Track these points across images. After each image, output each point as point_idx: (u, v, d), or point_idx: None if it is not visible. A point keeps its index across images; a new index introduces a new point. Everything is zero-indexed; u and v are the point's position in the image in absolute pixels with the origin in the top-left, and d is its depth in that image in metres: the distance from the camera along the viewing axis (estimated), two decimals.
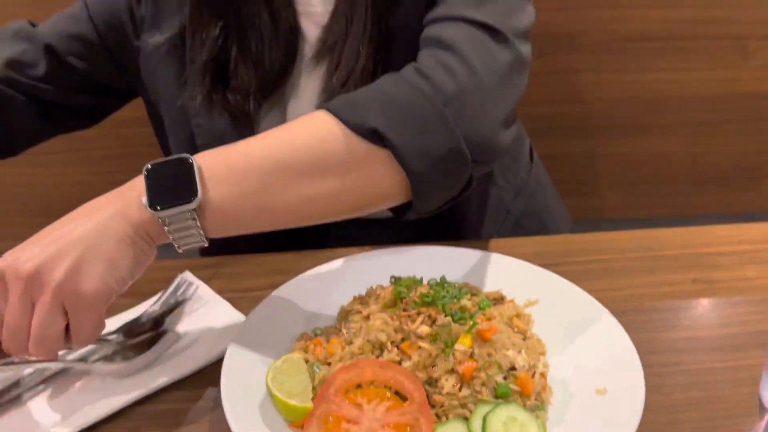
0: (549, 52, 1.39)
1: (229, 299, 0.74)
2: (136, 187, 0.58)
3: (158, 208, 0.56)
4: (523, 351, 0.58)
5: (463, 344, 0.56)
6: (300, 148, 0.59)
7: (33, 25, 0.86)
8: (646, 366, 0.61)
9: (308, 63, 0.79)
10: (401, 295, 0.60)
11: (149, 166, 0.58)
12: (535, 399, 0.56)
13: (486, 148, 0.63)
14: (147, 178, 0.57)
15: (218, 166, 0.59)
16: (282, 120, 0.82)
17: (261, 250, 0.83)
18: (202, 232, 0.58)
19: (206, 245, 0.60)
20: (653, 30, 1.38)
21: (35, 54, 0.83)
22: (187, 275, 0.77)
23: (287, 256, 0.82)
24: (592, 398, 0.57)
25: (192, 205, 0.56)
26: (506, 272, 0.72)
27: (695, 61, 1.42)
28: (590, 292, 0.68)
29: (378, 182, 0.61)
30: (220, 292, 0.76)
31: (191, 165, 0.57)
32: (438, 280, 0.63)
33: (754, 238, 0.82)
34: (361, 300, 0.65)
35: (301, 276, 0.73)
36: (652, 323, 0.70)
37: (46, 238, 0.56)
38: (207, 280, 0.78)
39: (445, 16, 0.66)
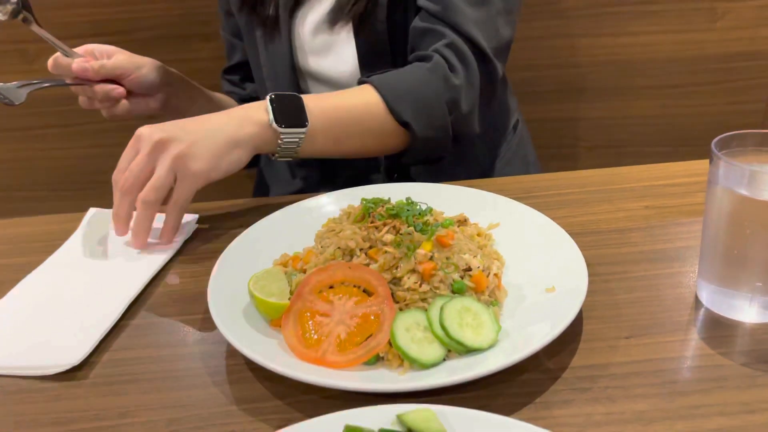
0: (526, 18, 1.44)
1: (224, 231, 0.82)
2: (255, 107, 0.81)
3: (283, 126, 0.80)
4: (478, 255, 0.65)
5: (423, 249, 0.62)
6: (354, 110, 0.87)
7: None
8: (594, 274, 0.68)
9: None
10: (369, 210, 0.66)
11: (272, 96, 0.81)
12: (489, 296, 0.63)
13: (463, 129, 0.93)
14: (271, 103, 0.81)
15: (314, 109, 0.83)
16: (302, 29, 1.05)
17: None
18: (298, 149, 0.83)
19: (299, 157, 0.84)
20: None
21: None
22: None
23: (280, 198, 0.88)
24: (542, 296, 0.63)
25: (305, 130, 0.81)
26: (472, 201, 0.79)
27: (666, 24, 1.47)
28: (551, 218, 0.74)
29: (394, 144, 0.92)
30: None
31: (302, 102, 0.83)
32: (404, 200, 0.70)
33: (706, 171, 0.88)
34: (335, 221, 0.71)
35: (285, 208, 0.79)
36: (604, 241, 0.76)
37: (179, 124, 0.78)
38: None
39: (454, 26, 0.91)
